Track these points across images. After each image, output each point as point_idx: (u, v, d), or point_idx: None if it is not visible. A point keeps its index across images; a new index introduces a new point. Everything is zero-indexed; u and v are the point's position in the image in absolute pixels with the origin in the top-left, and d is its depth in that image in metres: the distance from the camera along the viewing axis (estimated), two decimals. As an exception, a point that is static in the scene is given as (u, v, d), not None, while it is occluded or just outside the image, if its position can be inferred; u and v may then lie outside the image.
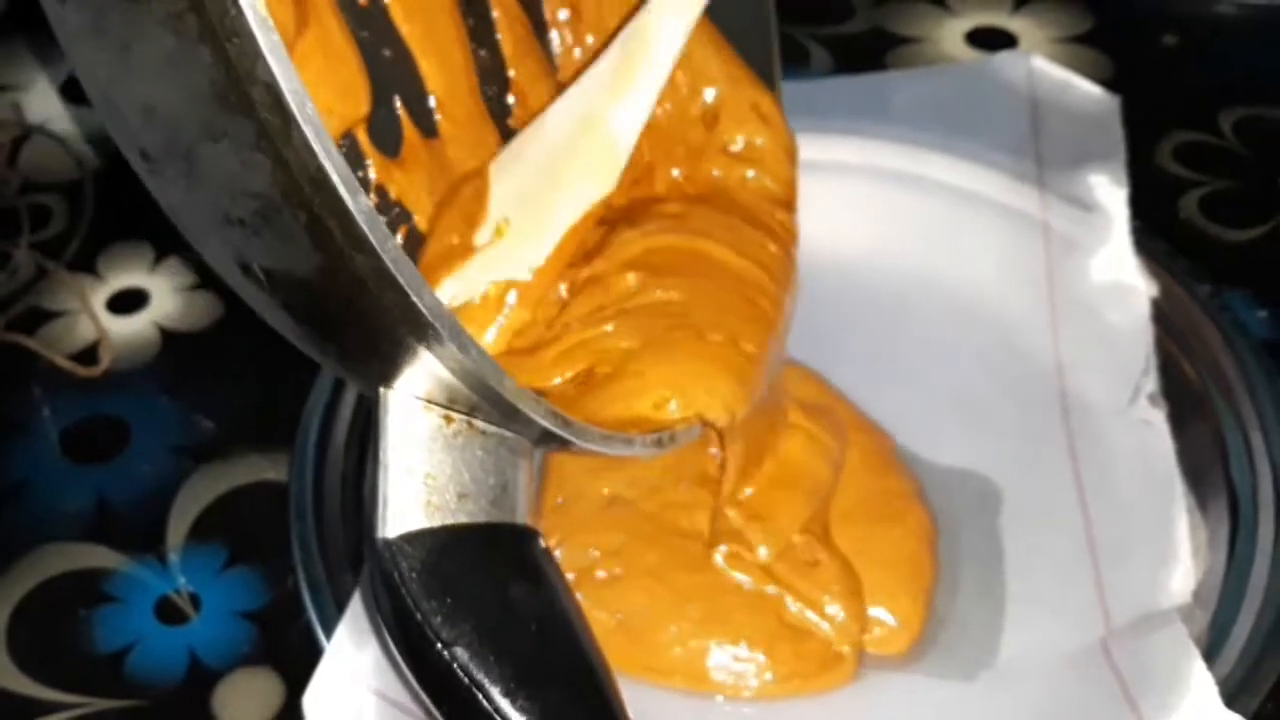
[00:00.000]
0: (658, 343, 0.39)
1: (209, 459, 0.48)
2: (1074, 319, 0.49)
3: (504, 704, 0.32)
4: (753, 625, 0.41)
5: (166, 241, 0.56)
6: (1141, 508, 0.44)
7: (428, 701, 0.33)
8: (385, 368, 0.32)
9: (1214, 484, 0.43)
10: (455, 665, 0.32)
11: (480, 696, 0.32)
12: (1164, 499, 0.44)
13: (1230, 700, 0.36)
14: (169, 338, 0.53)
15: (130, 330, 0.53)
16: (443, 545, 0.33)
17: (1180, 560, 0.42)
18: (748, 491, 0.42)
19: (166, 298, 0.54)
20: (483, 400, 0.32)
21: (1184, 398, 0.46)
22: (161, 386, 0.51)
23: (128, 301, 0.54)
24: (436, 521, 0.32)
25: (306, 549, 0.42)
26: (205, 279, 0.54)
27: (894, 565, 0.43)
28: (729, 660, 0.41)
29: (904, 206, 0.52)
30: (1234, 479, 0.43)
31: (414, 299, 0.29)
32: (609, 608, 0.42)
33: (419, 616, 0.32)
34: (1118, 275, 0.48)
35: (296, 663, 0.41)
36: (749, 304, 0.41)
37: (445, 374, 0.31)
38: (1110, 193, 0.49)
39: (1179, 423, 0.45)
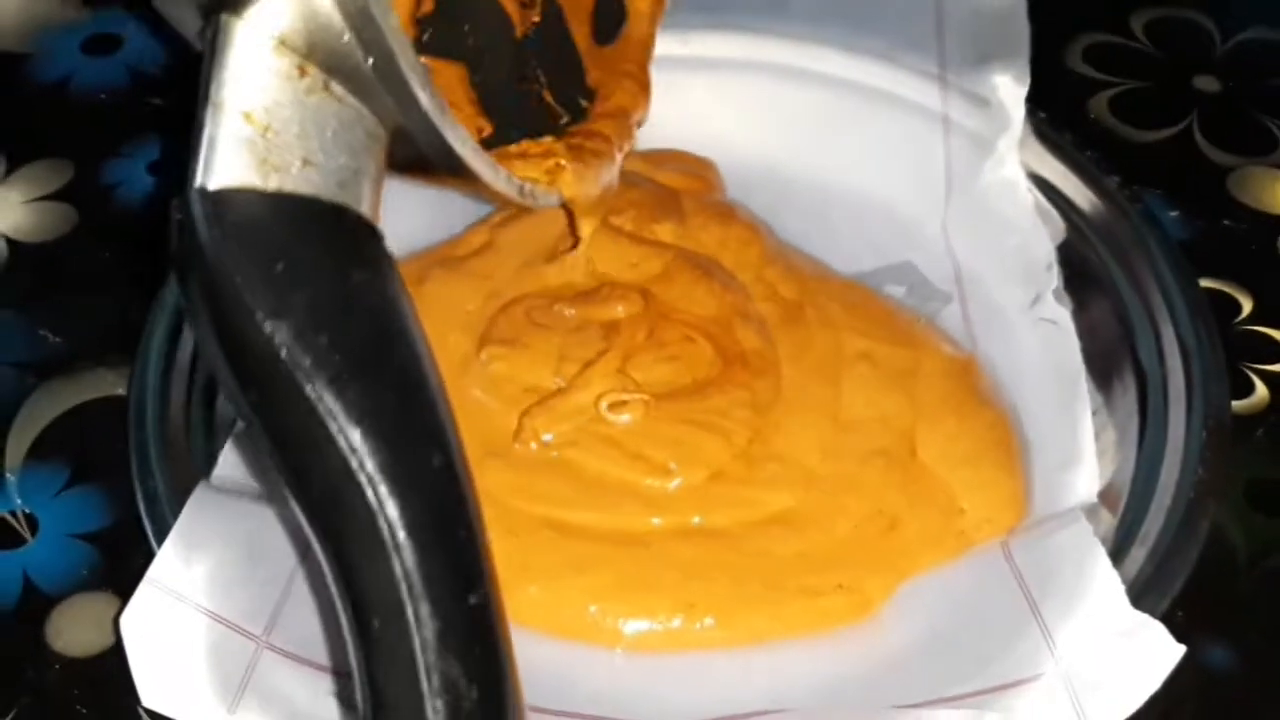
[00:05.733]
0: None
1: (53, 375, 0.46)
2: (972, 220, 0.47)
3: (328, 394, 0.27)
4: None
5: (20, 151, 0.53)
6: (1045, 409, 0.42)
7: (231, 387, 0.28)
8: None
9: (1122, 378, 0.42)
10: (277, 341, 0.27)
11: (303, 380, 0.27)
12: (1069, 398, 0.42)
13: (1137, 600, 0.34)
14: (17, 250, 0.50)
15: (-25, 243, 0.51)
16: (276, 210, 0.28)
17: (1085, 461, 0.40)
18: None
19: (16, 209, 0.51)
20: (357, 45, 0.28)
21: (1090, 290, 0.44)
22: (6, 300, 0.49)
23: (-25, 213, 0.51)
24: (273, 185, 0.28)
25: (144, 460, 0.39)
26: (59, 191, 0.51)
27: (982, 457, 0.41)
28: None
29: (800, 106, 0.50)
30: (1144, 371, 0.41)
31: None
32: None
33: (238, 281, 0.27)
34: (1013, 173, 0.46)
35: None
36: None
37: None
38: (1011, 92, 0.47)
39: (1085, 317, 0.43)
